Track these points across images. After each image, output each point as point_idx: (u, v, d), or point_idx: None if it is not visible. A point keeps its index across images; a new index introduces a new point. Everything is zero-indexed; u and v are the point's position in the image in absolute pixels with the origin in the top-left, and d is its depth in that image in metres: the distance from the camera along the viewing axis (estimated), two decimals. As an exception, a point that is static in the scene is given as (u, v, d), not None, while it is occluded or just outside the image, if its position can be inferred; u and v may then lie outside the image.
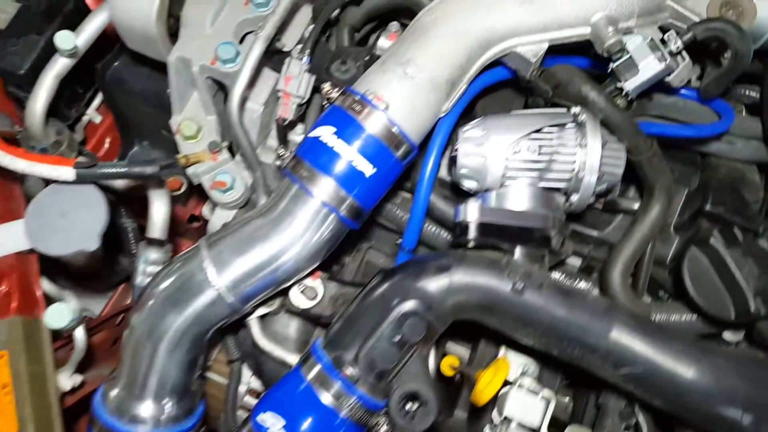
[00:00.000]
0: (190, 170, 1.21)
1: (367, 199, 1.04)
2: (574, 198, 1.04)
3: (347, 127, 1.00)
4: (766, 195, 1.19)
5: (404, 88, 1.01)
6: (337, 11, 1.20)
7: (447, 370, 1.08)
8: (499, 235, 0.99)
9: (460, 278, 0.97)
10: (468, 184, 1.07)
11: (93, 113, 1.57)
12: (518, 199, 1.03)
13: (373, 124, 0.99)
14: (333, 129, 1.00)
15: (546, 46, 1.05)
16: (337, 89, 1.09)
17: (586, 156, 1.00)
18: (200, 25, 1.17)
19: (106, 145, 1.63)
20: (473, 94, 1.11)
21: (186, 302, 0.99)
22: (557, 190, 1.05)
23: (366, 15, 1.20)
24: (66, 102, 1.42)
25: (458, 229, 0.99)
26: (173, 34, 1.20)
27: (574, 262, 1.24)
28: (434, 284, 0.96)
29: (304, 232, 1.00)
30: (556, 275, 1.18)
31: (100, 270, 1.42)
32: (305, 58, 1.13)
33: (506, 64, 1.10)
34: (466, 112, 1.22)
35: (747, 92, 1.19)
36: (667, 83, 1.08)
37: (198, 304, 0.99)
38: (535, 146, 1.01)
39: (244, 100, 1.13)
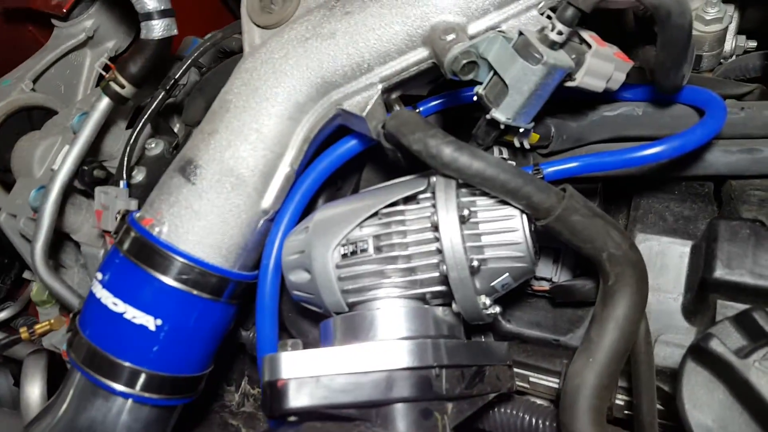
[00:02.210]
0: (45, 342, 1.01)
1: (179, 363, 0.73)
2: (455, 307, 0.64)
3: (113, 270, 0.73)
4: None
5: (187, 199, 0.72)
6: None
7: None
8: (337, 395, 0.62)
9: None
10: (314, 309, 0.73)
11: (38, 278, 1.49)
12: (370, 325, 0.66)
13: (146, 259, 0.70)
14: (100, 275, 0.73)
15: (377, 90, 0.71)
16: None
17: (441, 239, 0.61)
18: (28, 172, 1.01)
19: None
20: (319, 180, 0.78)
21: None
22: (438, 297, 0.67)
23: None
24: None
25: (268, 391, 0.64)
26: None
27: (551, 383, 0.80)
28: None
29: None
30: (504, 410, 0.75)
31: None
32: (122, 183, 0.90)
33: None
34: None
35: (752, 64, 0.72)
36: (587, 91, 0.67)
37: None
38: (368, 241, 0.65)
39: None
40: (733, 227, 0.62)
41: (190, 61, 0.93)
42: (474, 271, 0.61)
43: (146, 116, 0.91)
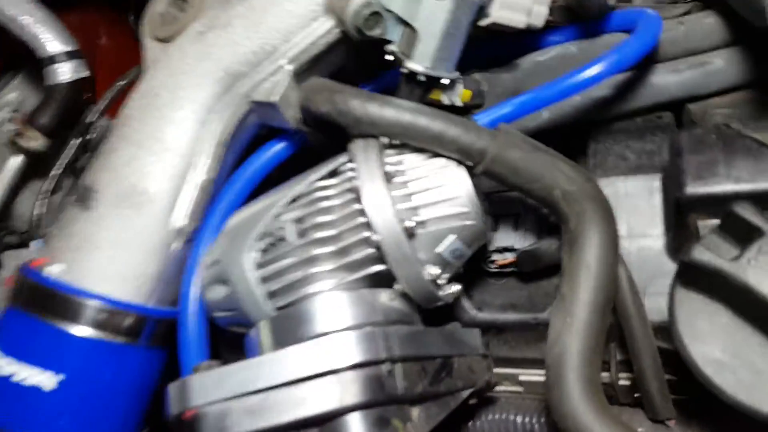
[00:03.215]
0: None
1: (98, 427, 0.61)
2: (399, 286, 0.55)
3: (2, 327, 0.62)
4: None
5: (84, 229, 0.63)
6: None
7: None
8: (268, 415, 0.50)
9: None
10: (238, 330, 0.62)
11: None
12: (299, 323, 0.55)
13: (40, 305, 0.60)
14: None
15: (287, 72, 0.64)
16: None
17: (365, 205, 0.52)
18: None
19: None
20: (245, 190, 0.69)
21: None
22: (381, 279, 0.57)
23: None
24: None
25: (175, 430, 0.52)
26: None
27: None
28: None
29: None
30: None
31: None
32: (33, 243, 0.81)
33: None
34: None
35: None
36: (509, 29, 0.61)
37: None
38: (286, 227, 0.56)
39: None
40: (697, 136, 0.53)
41: (106, 103, 0.88)
42: (410, 234, 0.52)
43: (58, 166, 0.84)
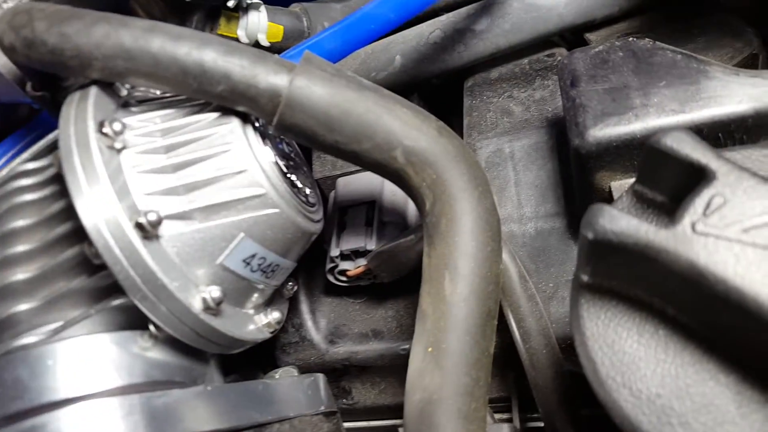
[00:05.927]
0: None
1: None
2: (155, 329, 0.34)
3: None
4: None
5: None
6: None
7: None
8: None
9: None
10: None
11: None
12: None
13: None
14: None
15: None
16: None
17: (75, 203, 0.32)
18: None
19: None
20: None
21: None
22: (133, 314, 0.36)
23: None
24: None
25: None
26: None
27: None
28: None
29: None
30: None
31: None
32: None
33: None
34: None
35: None
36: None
37: None
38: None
39: None
40: (597, 56, 0.36)
41: None
42: (152, 236, 0.32)
43: None
